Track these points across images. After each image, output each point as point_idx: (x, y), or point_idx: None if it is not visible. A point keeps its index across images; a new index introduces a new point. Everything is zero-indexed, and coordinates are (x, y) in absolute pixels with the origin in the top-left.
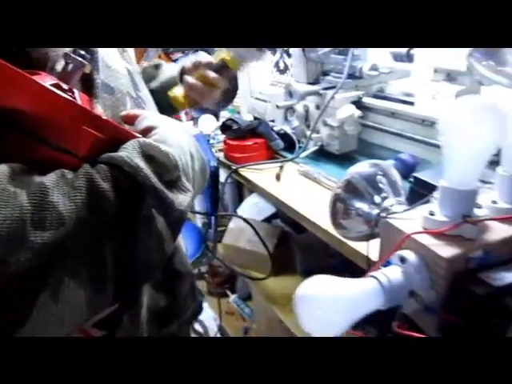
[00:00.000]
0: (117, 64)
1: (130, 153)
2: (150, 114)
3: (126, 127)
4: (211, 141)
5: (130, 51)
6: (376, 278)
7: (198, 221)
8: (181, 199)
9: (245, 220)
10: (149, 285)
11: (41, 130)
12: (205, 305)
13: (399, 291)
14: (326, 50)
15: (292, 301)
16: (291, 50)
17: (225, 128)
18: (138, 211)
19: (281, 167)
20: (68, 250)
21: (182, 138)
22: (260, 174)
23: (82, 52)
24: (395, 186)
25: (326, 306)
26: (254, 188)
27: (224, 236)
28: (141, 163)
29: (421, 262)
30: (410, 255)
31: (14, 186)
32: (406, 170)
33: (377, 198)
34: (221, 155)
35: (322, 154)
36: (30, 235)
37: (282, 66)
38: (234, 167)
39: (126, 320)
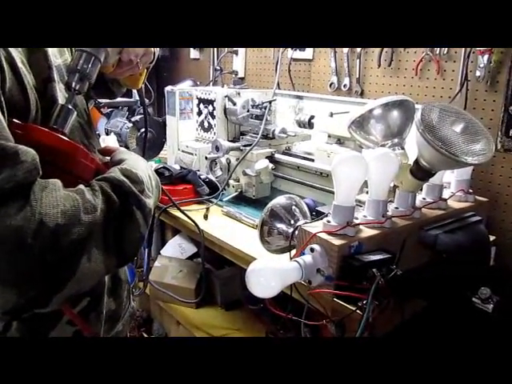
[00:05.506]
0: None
1: (116, 174)
2: (123, 150)
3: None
4: None
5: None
6: (297, 261)
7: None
8: (148, 201)
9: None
10: (104, 292)
11: (65, 165)
12: None
13: (311, 269)
14: (245, 114)
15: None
16: (215, 113)
17: (158, 174)
18: (125, 208)
19: (207, 208)
20: (96, 227)
21: (143, 166)
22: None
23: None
24: (305, 213)
25: (267, 276)
26: (182, 228)
27: (150, 274)
28: (123, 179)
29: (322, 249)
30: (316, 246)
31: (66, 191)
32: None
33: (292, 221)
34: None
35: (241, 199)
36: (82, 217)
37: (206, 125)
38: (164, 206)
39: (93, 317)
